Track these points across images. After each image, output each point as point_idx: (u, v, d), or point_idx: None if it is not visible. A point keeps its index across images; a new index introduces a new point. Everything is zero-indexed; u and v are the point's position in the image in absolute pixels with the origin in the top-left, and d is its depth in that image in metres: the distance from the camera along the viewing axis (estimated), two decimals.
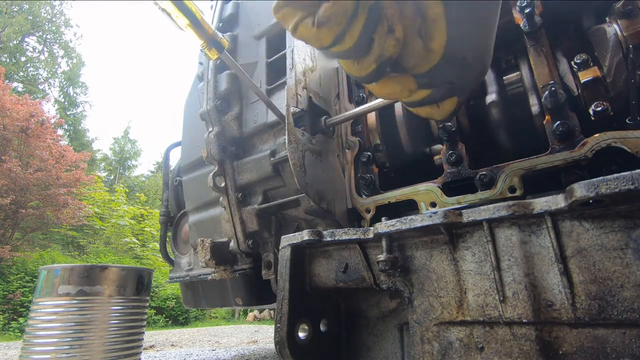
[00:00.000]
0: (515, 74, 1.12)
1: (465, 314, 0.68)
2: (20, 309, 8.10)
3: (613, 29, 0.90)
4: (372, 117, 1.31)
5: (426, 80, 0.71)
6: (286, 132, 1.13)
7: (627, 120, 0.89)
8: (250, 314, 11.96)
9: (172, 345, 4.30)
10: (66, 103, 25.19)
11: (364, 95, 1.36)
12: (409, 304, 0.76)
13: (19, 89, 20.90)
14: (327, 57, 0.69)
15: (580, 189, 0.56)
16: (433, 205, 1.05)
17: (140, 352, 1.35)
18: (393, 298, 0.93)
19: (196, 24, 0.98)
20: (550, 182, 0.98)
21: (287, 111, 1.16)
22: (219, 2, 1.73)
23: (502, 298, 0.64)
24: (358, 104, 1.37)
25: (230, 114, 1.50)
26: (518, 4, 1.03)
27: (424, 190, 1.07)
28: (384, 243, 0.77)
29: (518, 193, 0.92)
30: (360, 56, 0.65)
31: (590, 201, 0.56)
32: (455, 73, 0.71)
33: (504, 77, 1.14)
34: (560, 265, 0.60)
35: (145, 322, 1.41)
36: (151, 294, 2.52)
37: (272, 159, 1.33)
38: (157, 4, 0.91)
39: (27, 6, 22.12)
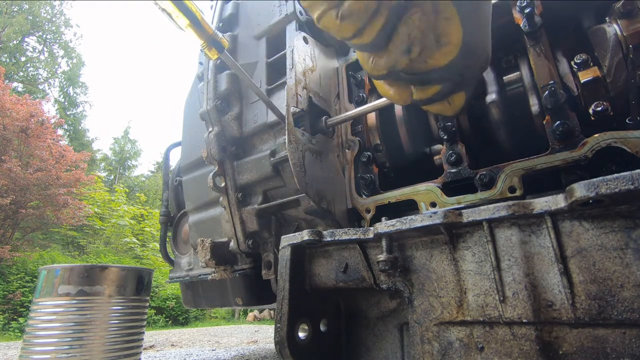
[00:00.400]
0: (515, 74, 1.12)
1: (465, 314, 0.68)
2: (20, 309, 8.10)
3: (613, 29, 0.90)
4: (372, 117, 1.31)
5: (441, 74, 0.77)
6: (286, 132, 1.13)
7: (627, 120, 0.89)
8: (250, 314, 11.95)
9: (172, 345, 4.30)
10: (66, 103, 25.18)
11: (364, 95, 1.36)
12: (409, 304, 0.76)
13: (19, 89, 20.90)
14: (349, 45, 0.80)
15: (580, 189, 0.56)
16: (433, 205, 1.05)
17: (140, 352, 1.35)
18: (393, 298, 0.93)
19: (196, 24, 0.98)
20: (550, 182, 0.98)
21: (287, 111, 1.16)
22: (219, 2, 1.73)
23: (502, 298, 0.64)
24: (358, 104, 1.36)
25: (230, 114, 1.50)
26: (518, 4, 1.03)
27: (424, 190, 1.07)
28: (384, 243, 0.77)
29: (518, 193, 0.92)
30: (376, 51, 0.73)
31: (590, 201, 0.56)
32: (467, 64, 0.77)
33: (504, 77, 1.14)
34: (560, 265, 0.60)
35: (145, 322, 1.41)
36: (151, 294, 2.52)
37: (272, 159, 1.33)
38: (157, 4, 0.92)
39: (27, 6, 22.11)
